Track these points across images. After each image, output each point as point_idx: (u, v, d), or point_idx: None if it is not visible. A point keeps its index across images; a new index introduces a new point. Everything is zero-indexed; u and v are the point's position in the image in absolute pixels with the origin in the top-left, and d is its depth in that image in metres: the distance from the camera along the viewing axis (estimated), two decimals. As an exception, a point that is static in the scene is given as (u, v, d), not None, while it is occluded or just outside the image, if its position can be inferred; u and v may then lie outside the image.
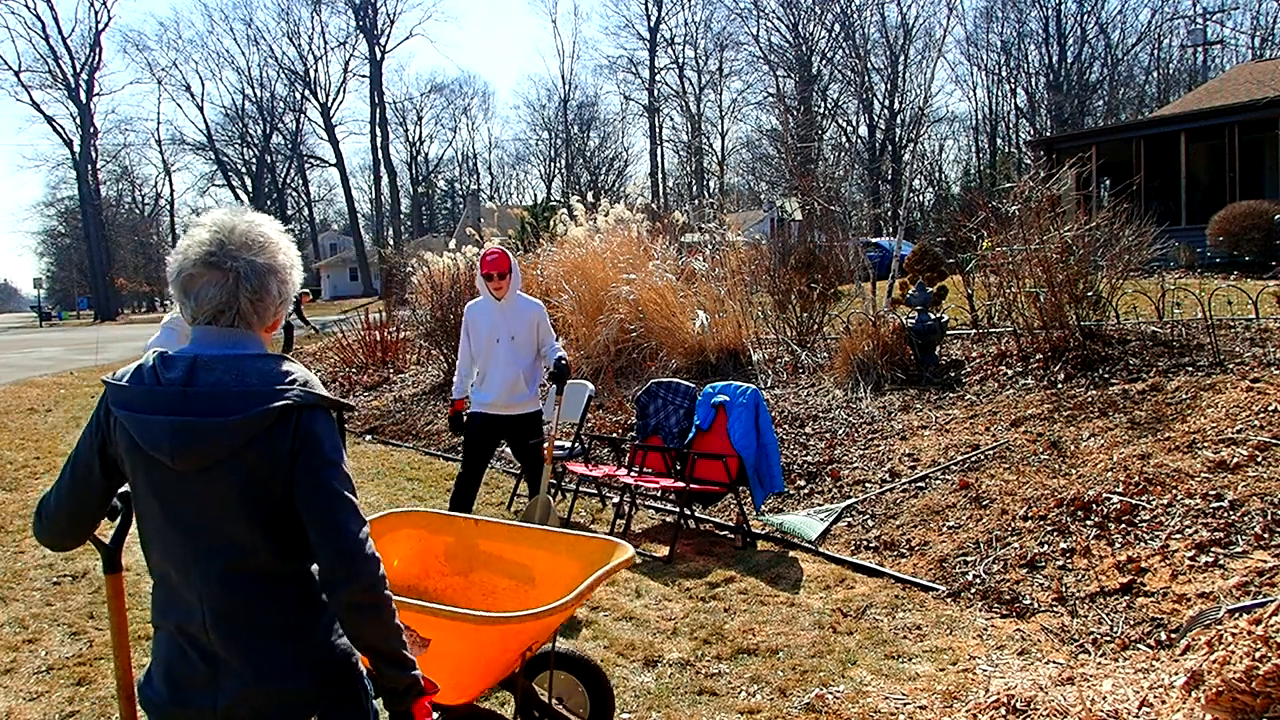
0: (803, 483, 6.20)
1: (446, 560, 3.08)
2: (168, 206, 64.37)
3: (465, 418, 5.08)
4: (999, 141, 50.97)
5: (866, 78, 45.33)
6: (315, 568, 1.68)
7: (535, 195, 58.14)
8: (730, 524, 5.78)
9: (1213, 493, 4.43)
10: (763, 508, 5.75)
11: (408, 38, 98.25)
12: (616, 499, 6.33)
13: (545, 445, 5.09)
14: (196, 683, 1.60)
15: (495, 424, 5.01)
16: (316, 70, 58.67)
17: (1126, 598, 3.99)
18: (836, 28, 47.23)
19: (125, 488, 1.74)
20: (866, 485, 5.87)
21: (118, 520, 2.07)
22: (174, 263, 1.65)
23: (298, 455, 1.57)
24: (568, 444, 6.68)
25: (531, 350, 5.05)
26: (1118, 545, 4.35)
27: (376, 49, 55.83)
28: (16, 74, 52.66)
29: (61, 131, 54.80)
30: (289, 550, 1.63)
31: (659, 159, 56.34)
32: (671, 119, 57.05)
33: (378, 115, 56.24)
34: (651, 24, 54.07)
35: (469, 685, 2.66)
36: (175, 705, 1.61)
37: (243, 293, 1.62)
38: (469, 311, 5.12)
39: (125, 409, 1.58)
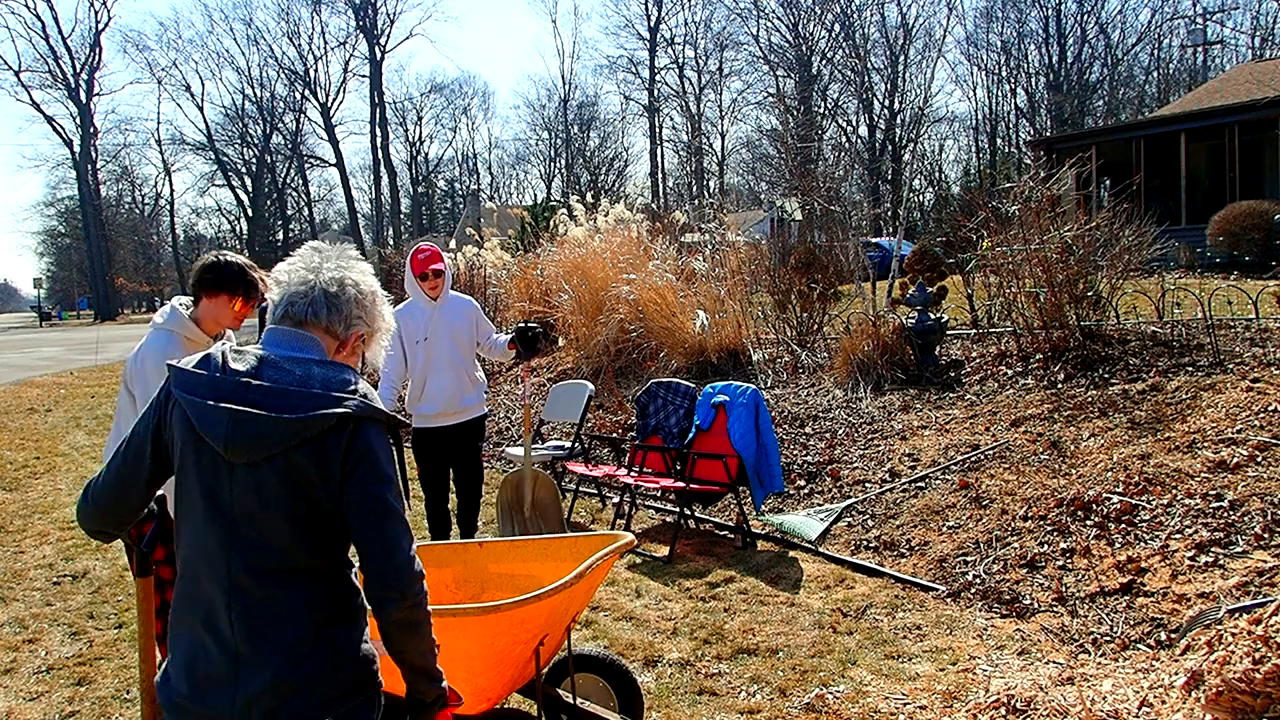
0: (803, 483, 6.20)
1: (457, 588, 3.09)
2: (168, 206, 64.30)
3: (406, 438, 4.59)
4: (999, 141, 50.96)
5: (866, 78, 45.34)
6: (352, 575, 1.70)
7: (535, 195, 58.18)
8: (730, 524, 5.78)
9: (1213, 493, 4.43)
10: (763, 508, 5.75)
11: (408, 38, 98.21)
12: (616, 499, 6.33)
13: (525, 406, 5.05)
14: (216, 678, 1.59)
15: (445, 437, 4.73)
16: (316, 70, 58.68)
17: (1126, 598, 3.99)
18: (836, 28, 47.22)
19: (161, 492, 1.77)
20: (866, 485, 5.87)
21: (153, 525, 2.04)
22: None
23: (352, 469, 1.59)
24: (568, 444, 6.68)
25: (472, 349, 4.84)
26: (1118, 545, 4.35)
27: (376, 49, 55.84)
28: (16, 74, 52.61)
29: (61, 131, 54.80)
30: (324, 553, 1.64)
31: (659, 159, 56.35)
32: (671, 119, 57.06)
33: (378, 115, 56.26)
34: (651, 24, 54.05)
35: (487, 688, 2.66)
36: (194, 701, 1.60)
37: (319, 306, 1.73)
38: (402, 318, 4.59)
39: (187, 392, 1.61)
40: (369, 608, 1.66)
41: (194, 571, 1.64)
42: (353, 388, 1.63)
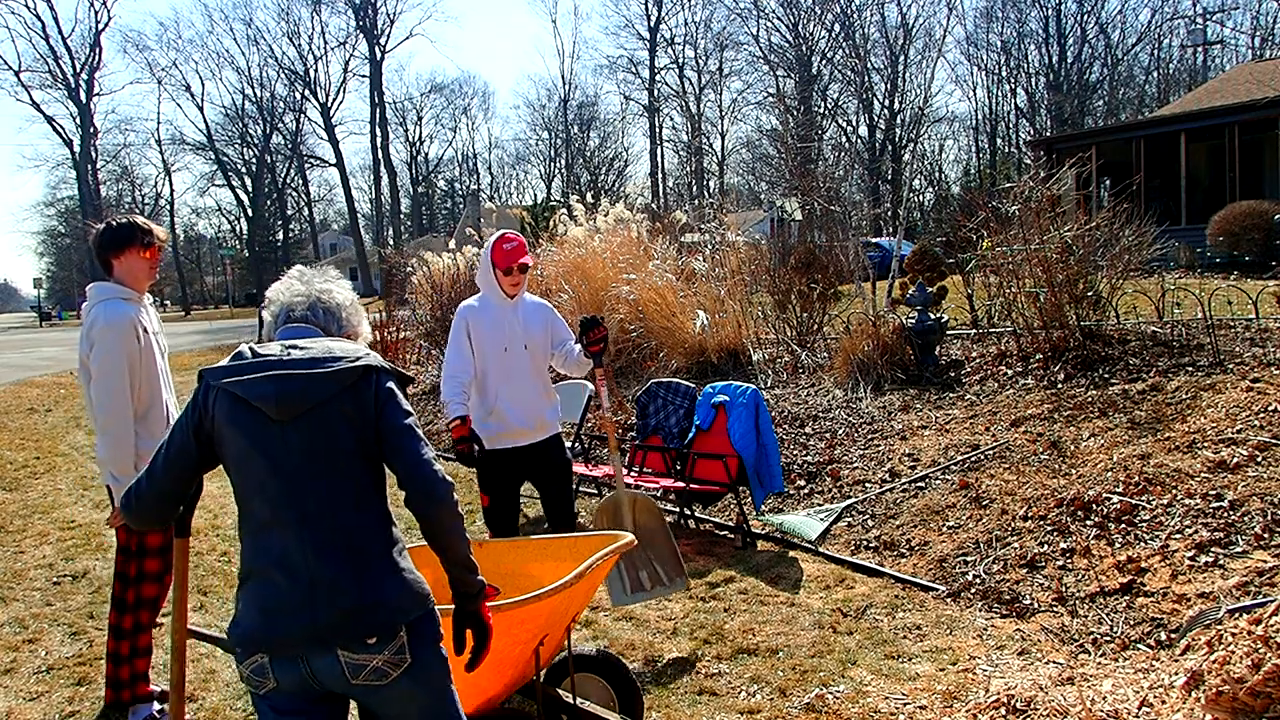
0: (803, 483, 6.20)
1: None
2: (168, 206, 64.27)
3: (477, 452, 3.89)
4: (999, 141, 50.95)
5: (866, 78, 45.32)
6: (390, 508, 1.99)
7: (535, 195, 58.20)
8: (730, 524, 5.78)
9: (1213, 493, 4.43)
10: (763, 508, 5.75)
11: (408, 38, 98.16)
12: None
13: (605, 419, 4.34)
14: (289, 608, 1.85)
15: (519, 459, 3.97)
16: (316, 70, 58.62)
17: (1126, 598, 3.99)
18: (836, 28, 47.19)
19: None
20: (866, 485, 5.87)
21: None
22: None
23: (382, 407, 1.92)
24: (568, 444, 6.69)
25: (547, 359, 4.13)
26: (1118, 545, 4.35)
27: (376, 49, 55.81)
28: (16, 74, 52.58)
29: (61, 131, 54.77)
30: (373, 488, 1.95)
31: (659, 159, 56.33)
32: (671, 119, 57.04)
33: (378, 115, 56.23)
34: (651, 24, 54.03)
35: (486, 688, 2.66)
36: (265, 630, 1.85)
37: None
38: (467, 315, 4.00)
39: (229, 376, 1.90)
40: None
41: (264, 525, 1.90)
42: (364, 351, 1.98)
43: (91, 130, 54.71)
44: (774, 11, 49.44)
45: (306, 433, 1.88)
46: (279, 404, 1.87)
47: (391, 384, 1.96)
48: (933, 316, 7.61)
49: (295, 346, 1.96)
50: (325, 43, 75.38)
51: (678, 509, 5.74)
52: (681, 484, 5.55)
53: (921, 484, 5.62)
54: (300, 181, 64.68)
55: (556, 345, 4.13)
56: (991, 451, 5.68)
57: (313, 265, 2.25)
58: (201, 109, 74.27)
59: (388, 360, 2.13)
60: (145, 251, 3.42)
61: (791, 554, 5.23)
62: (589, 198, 12.78)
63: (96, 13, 72.43)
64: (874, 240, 20.17)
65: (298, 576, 1.86)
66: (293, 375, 1.88)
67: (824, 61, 48.04)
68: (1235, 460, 4.63)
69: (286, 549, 1.87)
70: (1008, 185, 8.23)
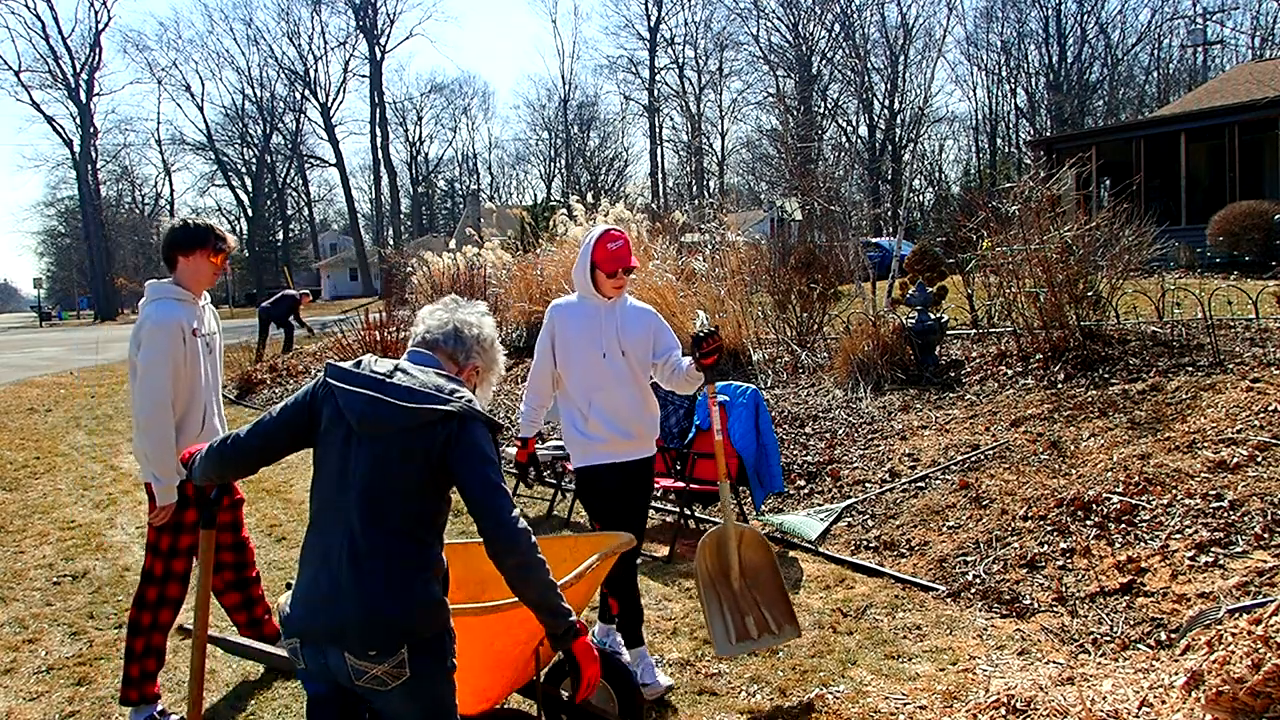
0: (803, 483, 6.20)
1: (458, 588, 3.09)
2: (168, 206, 64.32)
3: (532, 476, 3.69)
4: (999, 141, 50.96)
5: (866, 78, 45.32)
6: (438, 543, 2.11)
7: (535, 195, 58.19)
8: (730, 524, 5.76)
9: (1213, 493, 4.43)
10: (763, 508, 5.75)
11: (408, 38, 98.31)
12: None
13: (716, 442, 3.69)
14: (324, 604, 2.00)
15: (619, 475, 3.59)
16: (316, 70, 58.70)
17: (1126, 598, 3.99)
18: (836, 28, 47.21)
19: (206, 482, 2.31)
20: (866, 485, 5.87)
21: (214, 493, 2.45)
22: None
23: (460, 455, 2.01)
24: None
25: (647, 370, 3.68)
26: (1118, 545, 4.35)
27: (376, 49, 55.85)
28: (16, 74, 52.67)
29: (61, 131, 54.83)
30: (420, 518, 2.05)
31: (659, 159, 56.35)
32: (671, 119, 57.08)
33: (378, 115, 56.27)
34: (651, 24, 54.07)
35: (487, 688, 2.66)
36: (305, 620, 2.02)
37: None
38: (555, 316, 3.61)
39: (338, 380, 2.08)
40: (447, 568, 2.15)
41: (322, 522, 2.07)
42: (460, 395, 2.07)
43: (91, 130, 54.74)
44: (774, 11, 49.50)
45: (379, 453, 2.02)
46: (360, 421, 2.03)
47: (474, 431, 2.03)
48: (933, 316, 7.61)
49: (405, 371, 2.09)
50: (325, 43, 75.57)
51: (678, 509, 5.74)
52: (681, 484, 5.55)
53: (921, 484, 5.62)
54: (300, 181, 64.71)
55: (659, 354, 3.65)
56: (991, 451, 5.68)
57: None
58: (201, 109, 74.38)
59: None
60: (215, 257, 3.49)
61: (791, 554, 5.23)
62: (589, 198, 12.79)
63: (96, 13, 72.63)
64: (874, 240, 20.18)
65: (333, 578, 2.00)
66: (381, 400, 2.02)
67: (824, 61, 48.06)
68: (1235, 460, 4.63)
69: (330, 550, 2.02)
70: (1008, 185, 8.23)
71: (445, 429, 2.01)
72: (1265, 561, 3.86)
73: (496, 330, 2.35)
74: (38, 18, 70.77)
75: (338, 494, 2.04)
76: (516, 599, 2.50)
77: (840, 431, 6.74)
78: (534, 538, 2.01)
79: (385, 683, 1.99)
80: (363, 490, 2.01)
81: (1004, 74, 49.96)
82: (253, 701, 3.62)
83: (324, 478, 2.09)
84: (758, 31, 50.53)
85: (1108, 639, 3.74)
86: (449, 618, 2.09)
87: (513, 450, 3.73)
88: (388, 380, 2.05)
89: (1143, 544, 4.29)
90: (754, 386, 5.82)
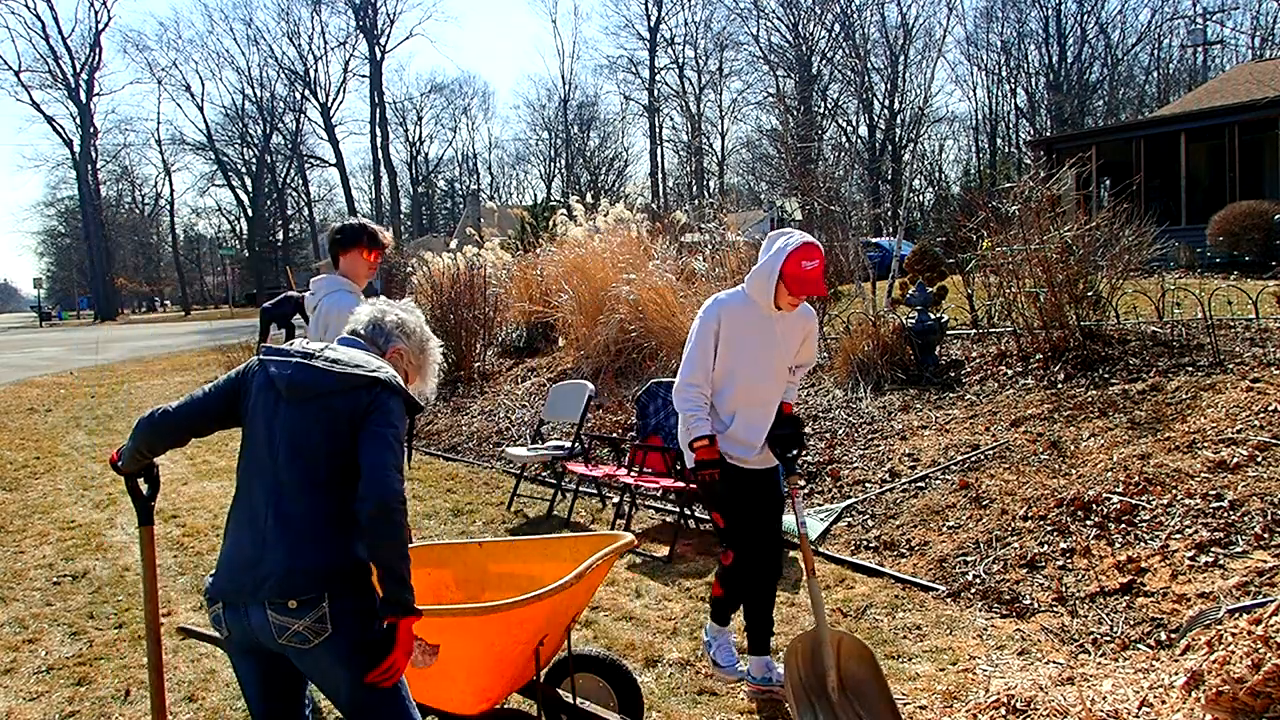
0: (803, 483, 6.20)
1: (458, 588, 3.09)
2: (168, 206, 64.30)
3: (709, 476, 3.37)
4: (999, 141, 50.95)
5: (866, 78, 45.31)
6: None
7: (535, 195, 58.19)
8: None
9: (1213, 493, 4.43)
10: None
11: (408, 38, 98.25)
12: (616, 499, 6.33)
13: (801, 535, 3.40)
14: (246, 563, 2.09)
15: (745, 476, 3.47)
16: (316, 70, 58.70)
17: (1126, 598, 3.99)
18: (836, 28, 47.20)
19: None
20: (866, 485, 5.87)
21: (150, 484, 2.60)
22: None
23: (369, 414, 2.12)
24: (568, 444, 6.69)
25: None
26: (1118, 545, 4.35)
27: (376, 49, 55.85)
28: (16, 74, 52.63)
29: (61, 131, 54.80)
30: (341, 476, 2.12)
31: (659, 159, 56.35)
32: (671, 119, 57.06)
33: (378, 115, 56.27)
34: (651, 24, 54.06)
35: (487, 688, 2.66)
36: (228, 582, 2.10)
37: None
38: (723, 314, 3.37)
39: (271, 355, 2.25)
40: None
41: (248, 483, 2.18)
42: (384, 369, 2.22)
43: (91, 130, 54.71)
44: (774, 11, 49.48)
45: (304, 417, 2.14)
46: (289, 386, 2.16)
47: (389, 400, 2.16)
48: (933, 316, 7.61)
49: (332, 349, 2.26)
50: (325, 43, 75.52)
51: (678, 509, 5.74)
52: (681, 484, 5.55)
53: (921, 484, 5.62)
54: (300, 181, 64.69)
55: (797, 368, 3.59)
56: (991, 451, 5.68)
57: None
58: (201, 109, 74.37)
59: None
60: (368, 253, 3.88)
61: (791, 554, 5.23)
62: (589, 198, 12.79)
63: (96, 13, 72.58)
64: (874, 240, 20.16)
65: (258, 537, 2.10)
66: (310, 366, 2.18)
67: (824, 61, 48.05)
68: (1235, 460, 4.63)
69: (255, 512, 2.13)
70: (1008, 185, 8.23)
71: (369, 395, 2.14)
72: (1265, 561, 3.86)
73: (423, 321, 2.52)
74: (38, 18, 70.73)
75: (264, 458, 2.15)
76: (517, 599, 2.51)
77: (840, 431, 6.74)
78: (405, 504, 2.05)
79: (307, 639, 2.04)
80: (289, 450, 2.12)
81: (1004, 74, 49.97)
82: (253, 701, 3.62)
83: (250, 447, 2.20)
84: (758, 31, 50.54)
85: (1108, 639, 3.74)
86: (370, 582, 2.13)
87: (690, 455, 3.39)
88: (318, 353, 2.22)
89: (1143, 544, 4.29)
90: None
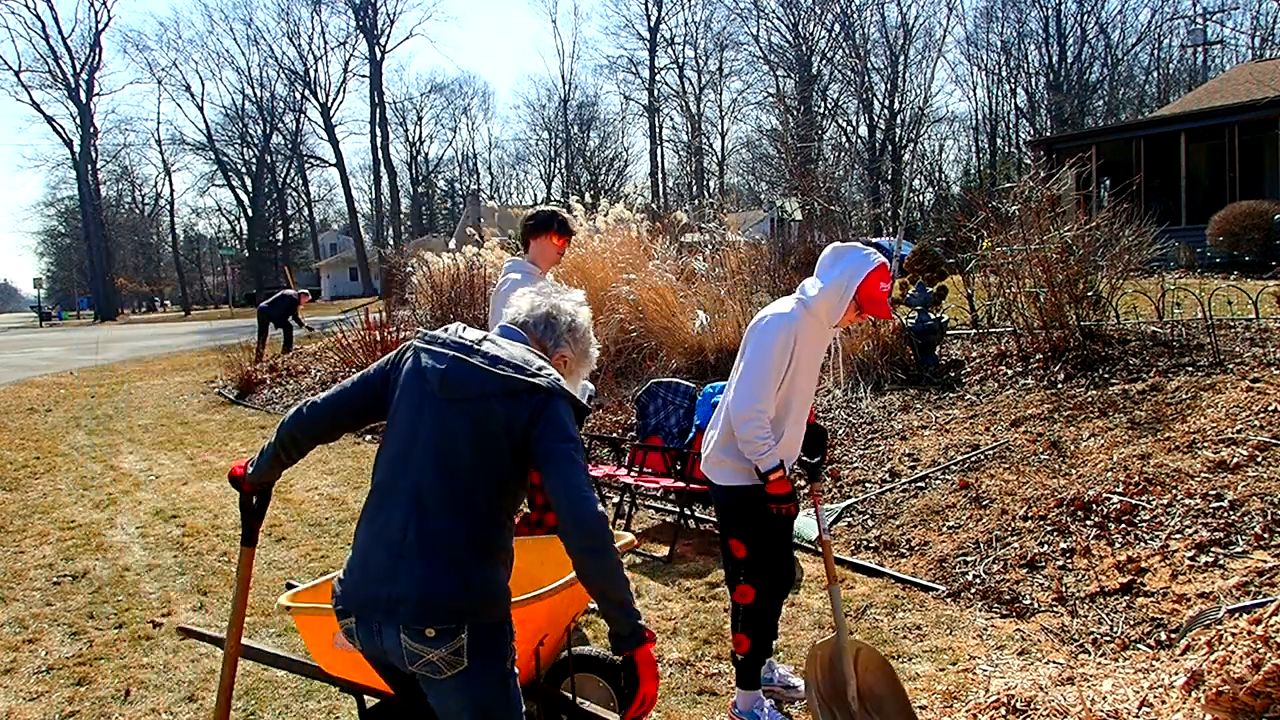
0: (802, 483, 6.20)
1: None
2: (168, 206, 64.28)
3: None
4: (999, 141, 50.97)
5: (866, 78, 45.32)
6: (508, 526, 2.03)
7: (535, 195, 58.29)
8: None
9: (1213, 493, 4.43)
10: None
11: (408, 38, 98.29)
12: (616, 499, 6.33)
13: (825, 542, 3.46)
14: (379, 576, 1.91)
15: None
16: (316, 70, 58.65)
17: (1126, 598, 3.99)
18: (836, 28, 47.21)
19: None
20: (866, 485, 5.87)
21: (261, 509, 2.47)
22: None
23: (541, 429, 1.91)
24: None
25: None
26: (1118, 545, 4.35)
27: (376, 49, 55.81)
28: (16, 74, 52.59)
29: (61, 131, 54.77)
30: (493, 496, 1.96)
31: (659, 159, 56.36)
32: (671, 119, 57.08)
33: (378, 115, 56.23)
34: (651, 24, 54.06)
35: None
36: (358, 591, 1.94)
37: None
38: (797, 330, 3.15)
39: (426, 343, 2.05)
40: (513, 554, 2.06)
41: (385, 489, 1.99)
42: (548, 371, 1.99)
43: (91, 130, 54.69)
44: (774, 11, 49.50)
45: (459, 418, 1.93)
46: (441, 382, 1.96)
47: (559, 408, 1.95)
48: (933, 316, 7.61)
49: (494, 342, 2.03)
50: (325, 43, 75.57)
51: (678, 509, 5.74)
52: (682, 484, 5.54)
53: (921, 484, 5.62)
54: (300, 181, 64.71)
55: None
56: (991, 451, 5.68)
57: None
58: (201, 109, 74.39)
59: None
60: (558, 239, 4.06)
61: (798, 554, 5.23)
62: (589, 198, 12.79)
63: (96, 13, 72.63)
64: (874, 240, 20.15)
65: (393, 549, 1.91)
66: (466, 361, 1.96)
67: (824, 61, 48.06)
68: (1235, 460, 4.63)
69: (391, 522, 1.94)
70: (1008, 185, 8.23)
71: (530, 402, 1.92)
72: (1265, 561, 3.86)
73: (591, 321, 2.28)
74: (38, 18, 70.76)
75: (406, 462, 1.96)
76: (517, 599, 2.50)
77: (840, 431, 6.74)
78: (609, 524, 1.91)
79: (440, 670, 1.89)
80: (434, 458, 1.93)
81: (1004, 74, 49.99)
82: (253, 701, 3.62)
83: (392, 444, 2.00)
84: (758, 31, 50.56)
85: (1108, 639, 3.74)
86: (510, 610, 2.00)
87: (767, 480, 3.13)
88: (476, 346, 1.99)
89: (1143, 544, 4.29)
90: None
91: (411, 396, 1.99)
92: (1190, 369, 5.95)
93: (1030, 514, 4.82)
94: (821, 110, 44.85)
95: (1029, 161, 21.41)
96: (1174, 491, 4.55)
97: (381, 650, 1.93)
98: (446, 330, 2.08)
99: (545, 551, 3.06)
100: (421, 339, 2.07)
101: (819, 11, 47.78)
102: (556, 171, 61.00)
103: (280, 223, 63.95)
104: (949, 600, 4.37)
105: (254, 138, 60.59)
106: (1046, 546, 4.53)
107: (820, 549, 4.03)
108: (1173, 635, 3.63)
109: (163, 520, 6.44)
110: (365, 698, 2.75)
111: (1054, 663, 3.59)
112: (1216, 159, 17.73)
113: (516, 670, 2.01)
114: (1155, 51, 48.09)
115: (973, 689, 3.44)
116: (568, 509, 1.87)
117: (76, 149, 54.61)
